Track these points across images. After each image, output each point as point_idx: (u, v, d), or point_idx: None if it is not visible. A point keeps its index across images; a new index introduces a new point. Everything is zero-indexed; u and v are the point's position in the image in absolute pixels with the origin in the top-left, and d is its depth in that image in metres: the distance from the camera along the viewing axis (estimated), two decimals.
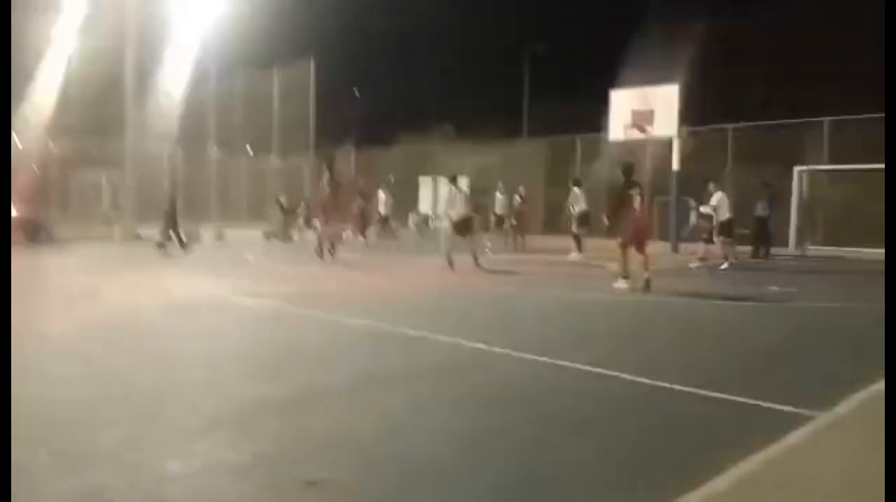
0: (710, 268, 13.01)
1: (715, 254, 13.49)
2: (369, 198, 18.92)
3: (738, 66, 55.57)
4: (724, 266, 13.03)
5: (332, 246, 13.31)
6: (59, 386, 4.18)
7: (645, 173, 21.37)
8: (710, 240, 13.75)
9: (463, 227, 12.01)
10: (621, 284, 9.43)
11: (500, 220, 17.55)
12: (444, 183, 15.10)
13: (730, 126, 20.67)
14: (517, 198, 17.53)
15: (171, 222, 15.93)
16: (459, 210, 12.07)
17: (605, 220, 11.73)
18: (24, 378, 3.95)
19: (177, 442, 3.22)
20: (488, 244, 16.00)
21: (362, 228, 17.88)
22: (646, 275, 9.32)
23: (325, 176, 14.01)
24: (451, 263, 11.62)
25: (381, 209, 17.97)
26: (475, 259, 11.91)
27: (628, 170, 9.99)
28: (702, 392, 4.23)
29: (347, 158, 28.10)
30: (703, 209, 13.91)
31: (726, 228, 13.55)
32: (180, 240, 15.70)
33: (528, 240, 17.70)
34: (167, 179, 18.90)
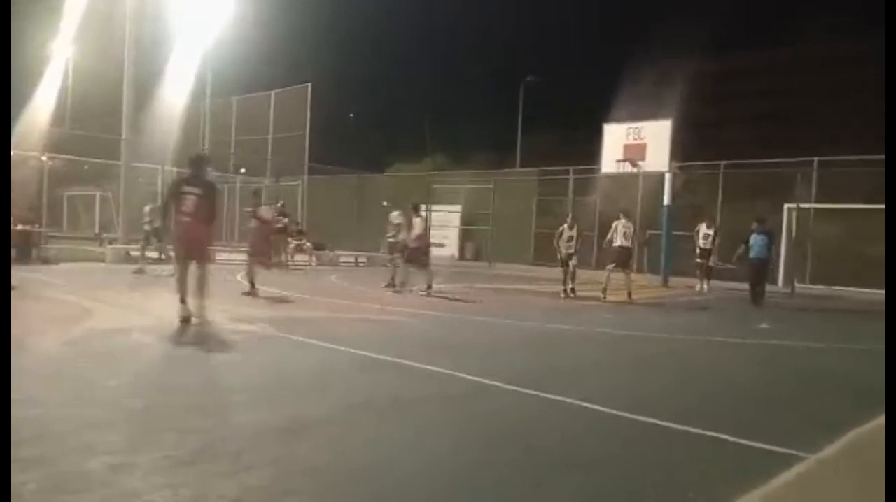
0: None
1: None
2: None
3: (728, 104, 56.31)
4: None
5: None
6: (49, 407, 4.15)
7: (636, 205, 21.62)
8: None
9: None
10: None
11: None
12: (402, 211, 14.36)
13: (722, 162, 20.87)
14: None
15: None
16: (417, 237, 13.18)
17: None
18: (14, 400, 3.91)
19: (167, 470, 3.21)
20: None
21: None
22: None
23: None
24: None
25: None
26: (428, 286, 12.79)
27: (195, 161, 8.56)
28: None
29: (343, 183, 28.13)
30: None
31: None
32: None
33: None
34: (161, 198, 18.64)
